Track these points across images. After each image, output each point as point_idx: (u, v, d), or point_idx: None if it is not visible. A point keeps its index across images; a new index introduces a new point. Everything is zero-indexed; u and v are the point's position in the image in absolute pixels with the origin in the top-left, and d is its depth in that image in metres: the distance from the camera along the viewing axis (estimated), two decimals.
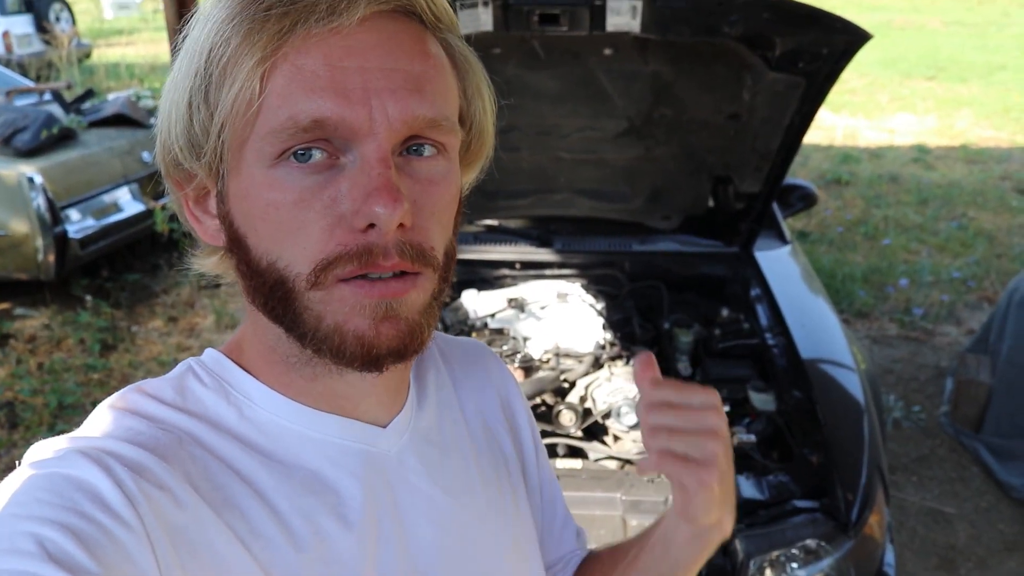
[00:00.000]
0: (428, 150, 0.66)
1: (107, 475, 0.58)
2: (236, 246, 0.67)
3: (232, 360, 0.73)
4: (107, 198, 5.37)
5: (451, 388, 0.89)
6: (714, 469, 0.73)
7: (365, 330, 0.63)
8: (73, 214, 5.09)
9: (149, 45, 15.26)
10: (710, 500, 0.74)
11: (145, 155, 5.69)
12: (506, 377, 0.97)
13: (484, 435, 0.89)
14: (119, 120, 5.89)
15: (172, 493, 0.61)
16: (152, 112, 6.25)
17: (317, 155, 0.62)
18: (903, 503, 3.52)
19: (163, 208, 5.45)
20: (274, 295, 0.65)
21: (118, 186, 5.46)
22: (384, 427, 0.76)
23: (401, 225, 0.62)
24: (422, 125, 0.64)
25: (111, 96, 6.85)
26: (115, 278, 5.64)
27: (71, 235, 4.98)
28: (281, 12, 0.60)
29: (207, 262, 0.73)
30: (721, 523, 0.79)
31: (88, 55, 14.06)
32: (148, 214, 5.51)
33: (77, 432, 0.66)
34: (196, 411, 0.69)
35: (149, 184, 5.68)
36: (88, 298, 5.30)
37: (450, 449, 0.83)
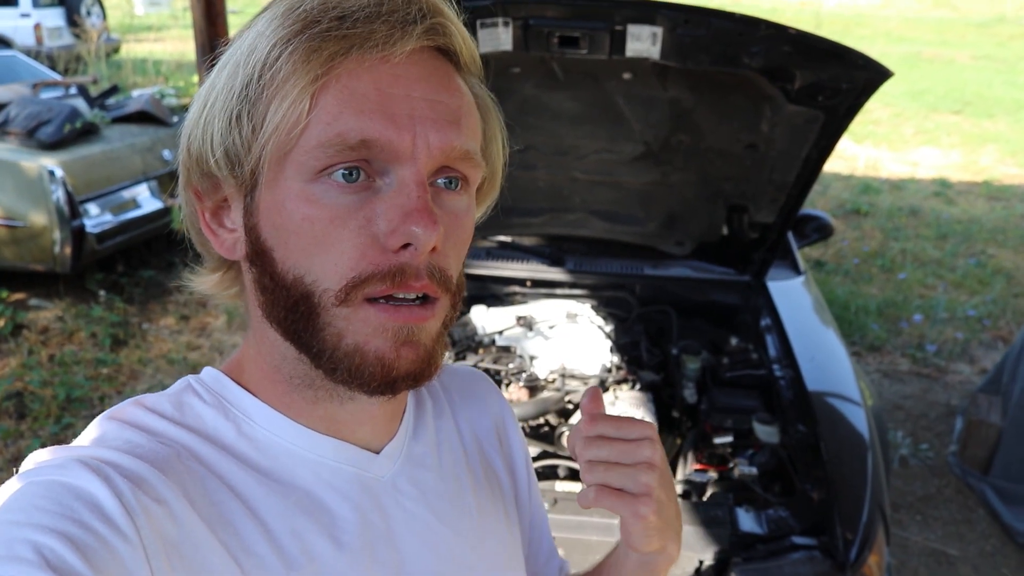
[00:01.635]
0: (454, 184, 0.69)
1: (106, 485, 0.59)
2: (260, 259, 0.68)
3: (232, 379, 0.74)
4: (126, 194, 5.41)
5: (449, 415, 0.90)
6: (649, 500, 0.75)
7: (386, 352, 0.65)
8: (92, 208, 5.13)
9: (177, 42, 15.38)
10: (648, 529, 0.76)
11: (166, 153, 5.73)
12: (503, 406, 0.98)
13: (480, 463, 0.90)
14: (142, 117, 5.95)
15: (169, 507, 0.62)
16: (175, 111, 6.30)
17: (357, 175, 0.64)
18: (906, 542, 3.48)
19: (180, 207, 5.49)
20: (296, 310, 0.66)
21: (137, 183, 5.51)
22: (377, 453, 0.77)
23: (433, 248, 0.65)
24: (457, 156, 0.67)
25: (135, 93, 6.91)
26: (130, 274, 5.68)
27: (88, 229, 5.02)
28: (340, 36, 0.63)
29: (209, 279, 0.75)
30: (665, 549, 0.81)
31: (117, 50, 14.22)
32: (166, 212, 5.55)
33: (76, 442, 0.67)
34: (194, 426, 0.70)
35: (168, 182, 5.72)
36: (102, 293, 5.33)
37: (446, 475, 0.84)
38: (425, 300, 0.66)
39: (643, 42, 1.96)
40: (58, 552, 0.53)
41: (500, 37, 2.01)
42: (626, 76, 2.32)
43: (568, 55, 2.10)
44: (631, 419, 0.77)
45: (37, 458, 0.63)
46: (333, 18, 0.63)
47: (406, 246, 0.63)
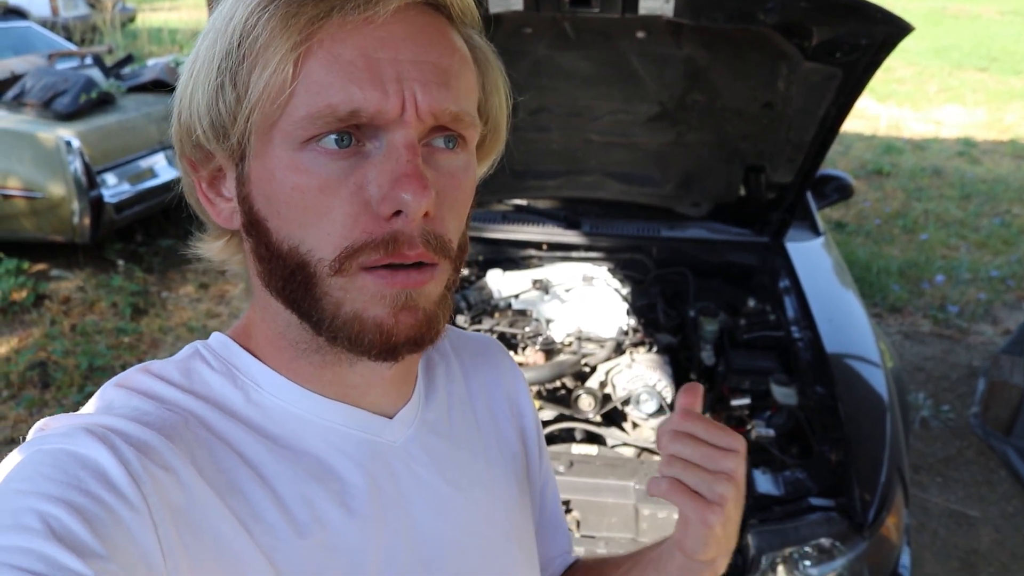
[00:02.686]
0: (450, 143, 0.67)
1: (113, 454, 0.58)
2: (255, 229, 0.67)
3: (239, 344, 0.74)
4: (143, 163, 5.43)
5: (461, 382, 0.89)
6: (720, 511, 0.74)
7: (384, 319, 0.64)
8: (109, 178, 5.15)
9: (192, 11, 15.36)
10: (708, 538, 0.75)
11: None
12: (516, 375, 0.97)
13: (492, 430, 0.90)
14: (158, 86, 5.93)
15: (176, 474, 0.61)
16: None
17: (346, 141, 0.63)
18: (926, 504, 3.47)
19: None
20: (294, 279, 0.65)
21: (154, 152, 5.52)
22: (391, 418, 0.76)
23: (427, 214, 0.63)
24: (448, 118, 0.65)
25: (151, 62, 6.91)
26: (148, 243, 5.71)
27: (107, 199, 5.05)
28: None
29: (213, 246, 0.74)
30: (715, 562, 0.80)
31: (132, 19, 14.21)
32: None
33: (82, 409, 0.66)
34: (202, 393, 0.69)
35: None
36: (121, 262, 5.37)
37: (458, 442, 0.83)
38: (422, 264, 0.65)
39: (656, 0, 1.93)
40: (64, 522, 0.53)
41: None
42: (640, 35, 2.28)
43: (580, 14, 2.07)
44: (724, 427, 0.76)
45: (43, 427, 0.63)
46: None
47: (398, 213, 0.62)
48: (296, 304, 0.66)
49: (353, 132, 0.63)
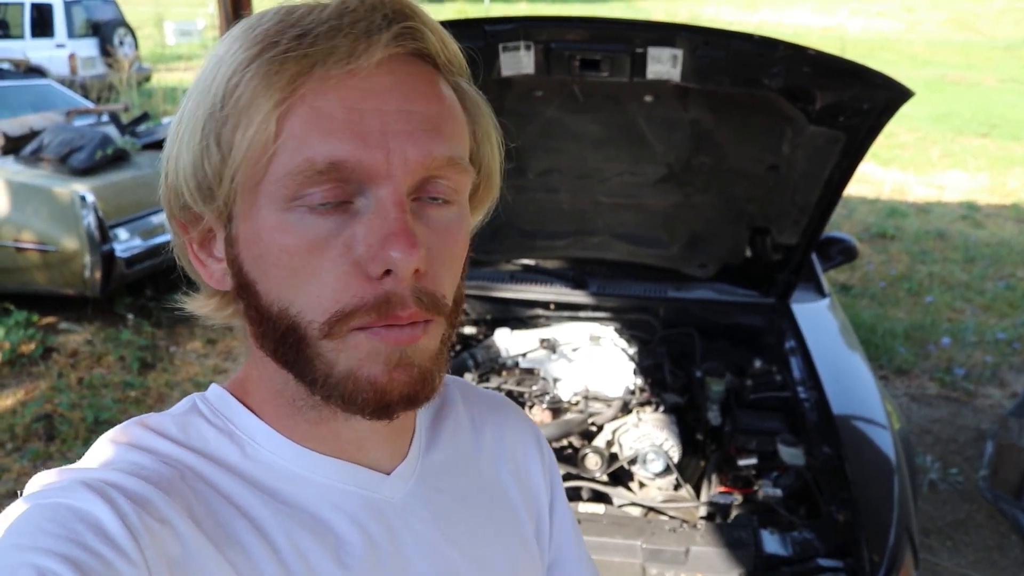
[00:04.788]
0: (442, 194, 0.65)
1: (110, 507, 0.58)
2: (245, 291, 0.67)
3: (236, 398, 0.73)
4: (155, 219, 5.48)
5: (470, 437, 0.88)
6: None
7: (379, 376, 0.63)
8: (121, 233, 5.21)
9: None
10: None
11: None
12: (527, 432, 0.95)
13: (499, 488, 0.87)
14: None
15: (174, 527, 0.61)
16: None
17: (331, 200, 0.61)
18: (937, 568, 3.43)
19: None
20: (285, 342, 0.65)
21: None
22: (388, 473, 0.75)
23: (416, 271, 0.62)
24: (439, 165, 0.63)
25: (166, 119, 7.04)
26: (158, 298, 5.74)
27: (118, 254, 5.09)
28: (300, 54, 0.60)
29: (207, 305, 0.73)
30: None
31: (148, 78, 14.49)
32: None
33: (79, 463, 0.66)
34: (198, 447, 0.69)
35: None
36: (130, 316, 5.40)
37: (461, 498, 0.82)
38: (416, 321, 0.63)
39: (663, 64, 1.98)
40: None
41: (522, 60, 2.04)
42: (647, 98, 2.34)
43: (589, 78, 2.12)
44: None
45: (41, 480, 0.62)
46: (292, 37, 0.60)
47: (388, 272, 0.60)
48: (290, 365, 0.66)
49: (339, 189, 0.61)
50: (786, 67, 1.98)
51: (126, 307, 5.53)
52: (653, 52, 2.00)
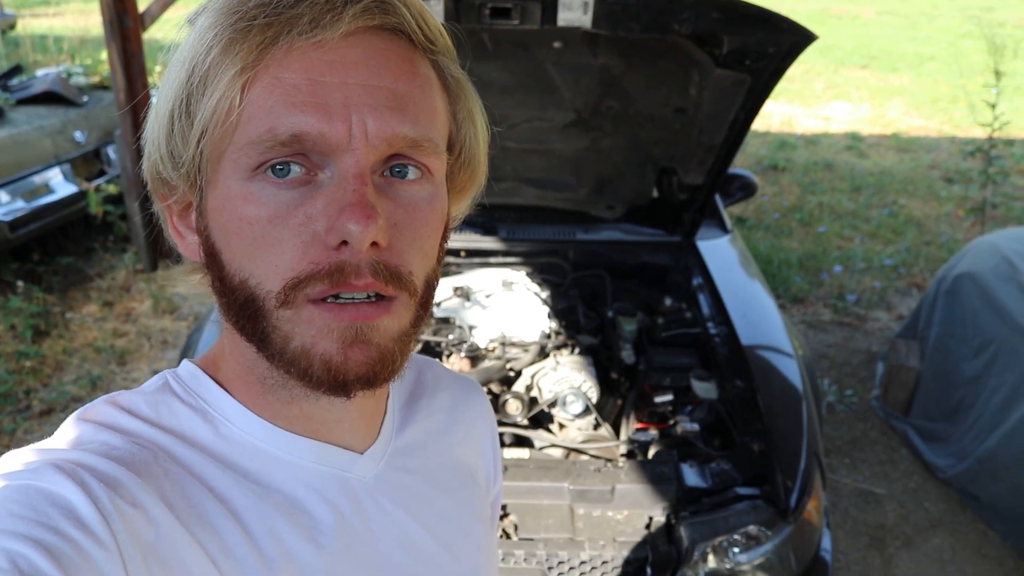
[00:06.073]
0: (412, 172, 0.65)
1: (82, 490, 0.57)
2: (212, 262, 0.66)
3: (209, 375, 0.72)
4: (37, 179, 5.21)
5: (441, 419, 0.88)
6: None
7: (333, 354, 0.62)
8: (2, 196, 4.93)
9: (79, 16, 14.74)
10: None
11: (78, 134, 5.53)
12: (491, 420, 0.97)
13: (465, 470, 0.89)
14: (49, 98, 5.70)
15: (146, 510, 0.61)
16: (84, 90, 6.07)
17: (295, 170, 0.61)
18: (836, 485, 3.64)
19: (97, 190, 5.31)
20: (244, 313, 0.64)
21: (49, 167, 5.30)
22: (361, 453, 0.76)
23: (376, 245, 0.61)
24: (403, 144, 0.63)
25: (40, 72, 6.62)
26: (47, 262, 5.48)
27: (0, 218, 4.82)
28: (264, 23, 0.60)
29: (193, 279, 0.72)
30: None
31: (13, 26, 13.56)
32: (81, 196, 5.36)
33: (49, 443, 0.65)
34: (171, 427, 0.68)
35: (82, 165, 5.52)
36: (19, 283, 5.14)
37: (429, 479, 0.83)
38: (380, 298, 0.63)
39: (574, 11, 1.97)
40: (32, 560, 0.52)
41: (432, 8, 2.00)
42: (556, 45, 2.34)
43: (499, 25, 2.10)
44: None
45: (10, 460, 0.61)
46: (257, 4, 0.60)
47: (345, 243, 0.60)
48: (249, 336, 0.65)
49: (302, 161, 0.61)
50: (695, 13, 2.01)
51: (13, 273, 5.26)
52: None
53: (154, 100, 0.66)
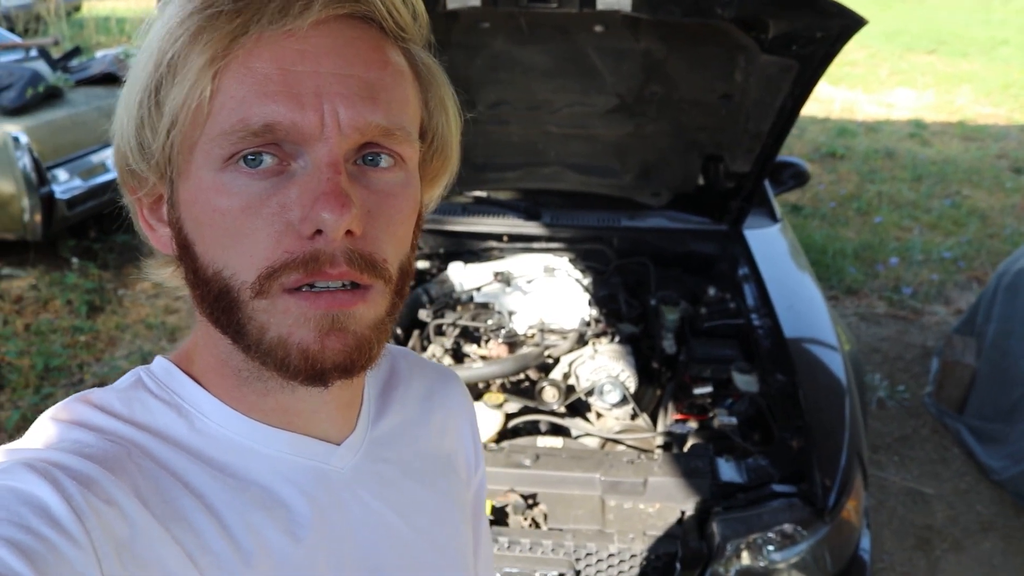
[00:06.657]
0: (384, 160, 0.65)
1: (55, 489, 0.57)
2: (185, 254, 0.66)
3: (183, 370, 0.72)
4: (95, 158, 5.32)
5: (417, 409, 0.88)
6: None
7: (310, 343, 0.62)
8: (60, 174, 5.05)
9: None
10: None
11: None
12: (470, 409, 0.97)
13: (443, 458, 0.89)
14: (107, 79, 5.81)
15: (120, 507, 0.60)
16: None
17: (267, 160, 0.61)
18: (884, 482, 3.55)
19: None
20: (219, 305, 0.64)
21: (106, 147, 5.40)
22: (338, 444, 0.75)
23: (351, 233, 0.61)
24: (375, 133, 0.63)
25: (99, 54, 6.75)
26: (103, 239, 5.61)
27: (58, 195, 4.94)
28: (232, 11, 0.59)
29: (164, 272, 0.72)
30: None
31: (78, 8, 13.87)
32: None
33: (20, 443, 0.64)
34: (145, 423, 0.68)
35: None
36: (75, 259, 5.27)
37: (407, 468, 0.82)
38: (355, 286, 0.63)
39: None
40: (5, 559, 0.51)
41: None
42: (597, 28, 2.29)
43: (537, 8, 2.07)
44: None
45: None
46: None
47: (319, 232, 0.60)
48: (225, 328, 0.65)
49: (275, 151, 0.61)
50: None
51: (70, 250, 5.39)
52: None
53: (124, 91, 0.66)
